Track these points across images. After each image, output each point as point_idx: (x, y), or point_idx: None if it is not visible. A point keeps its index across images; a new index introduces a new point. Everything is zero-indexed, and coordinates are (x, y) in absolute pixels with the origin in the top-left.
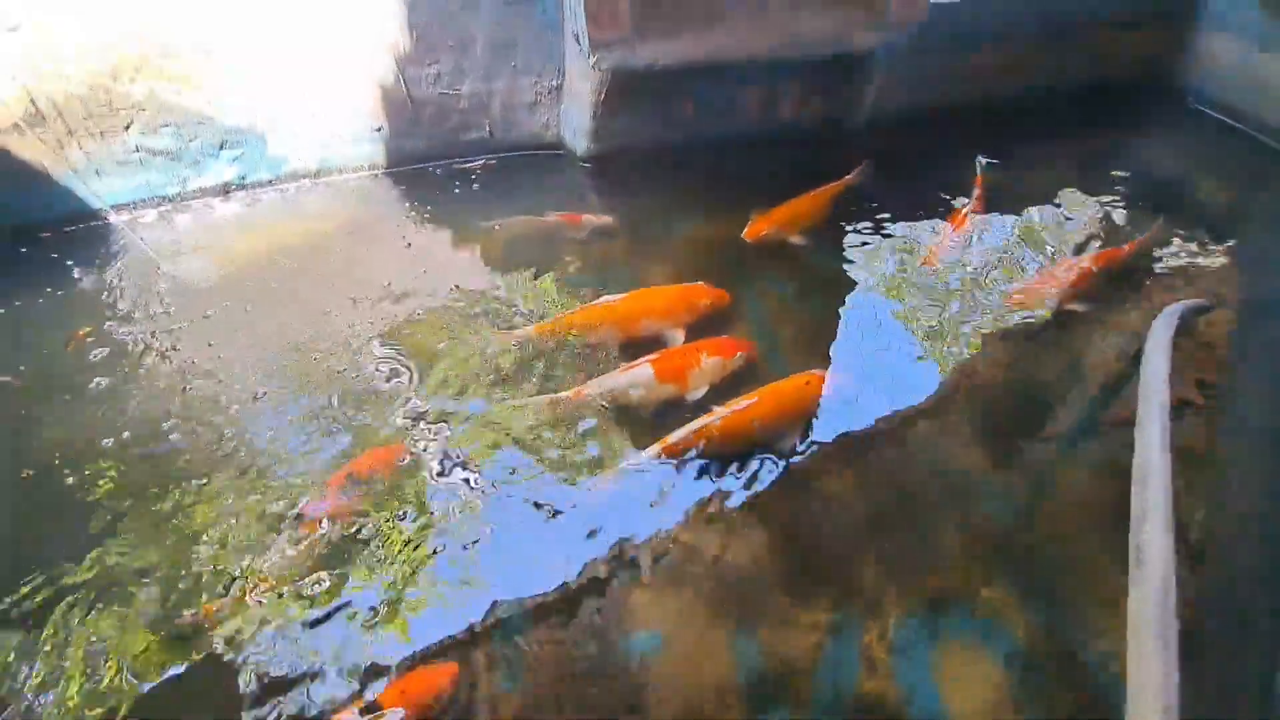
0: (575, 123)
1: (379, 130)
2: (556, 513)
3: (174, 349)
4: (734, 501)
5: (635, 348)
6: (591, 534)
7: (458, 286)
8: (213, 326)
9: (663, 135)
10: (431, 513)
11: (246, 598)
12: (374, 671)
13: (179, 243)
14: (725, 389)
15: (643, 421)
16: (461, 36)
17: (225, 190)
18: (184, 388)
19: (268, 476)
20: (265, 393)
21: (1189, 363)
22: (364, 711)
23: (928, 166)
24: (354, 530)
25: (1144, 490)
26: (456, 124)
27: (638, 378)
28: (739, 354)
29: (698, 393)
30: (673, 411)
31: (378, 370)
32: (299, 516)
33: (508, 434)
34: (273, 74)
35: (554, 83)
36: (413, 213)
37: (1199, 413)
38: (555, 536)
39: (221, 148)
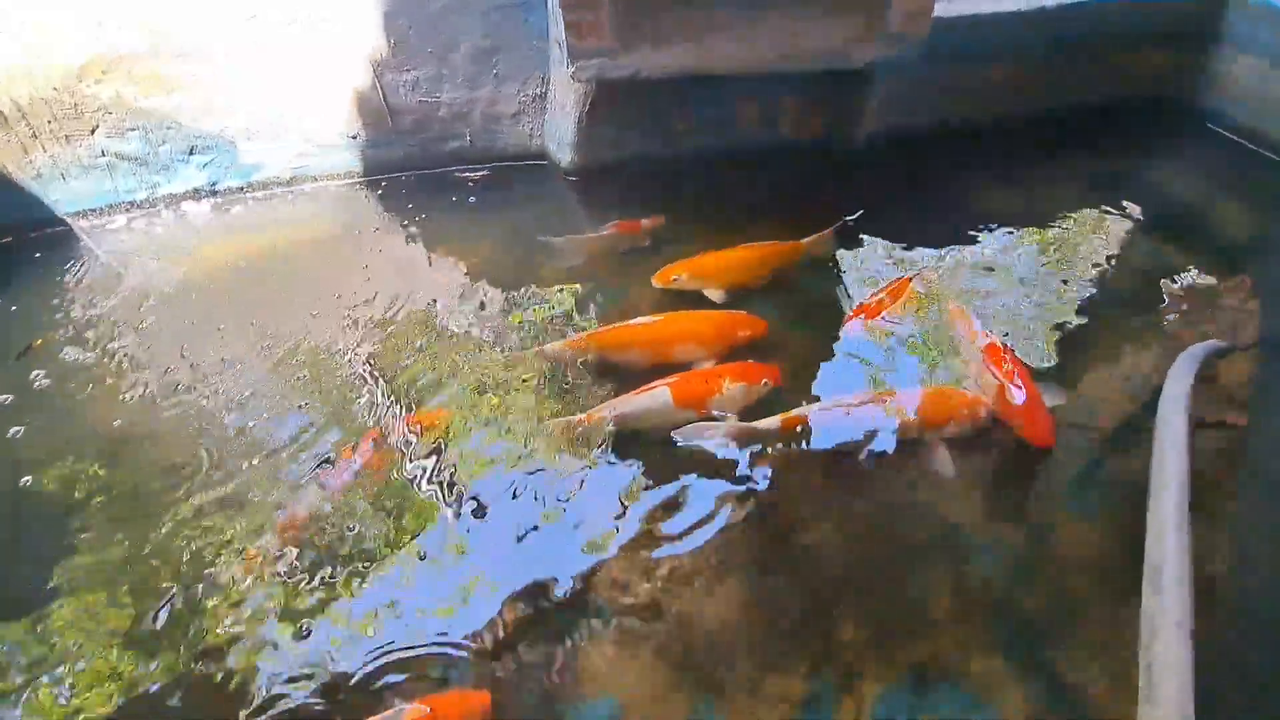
0: (560, 134)
1: (355, 138)
2: (515, 560)
3: (131, 358)
4: (703, 553)
5: (662, 373)
6: (546, 583)
7: (434, 301)
8: (176, 336)
9: (653, 150)
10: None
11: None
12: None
13: (144, 249)
14: (749, 418)
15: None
16: (442, 43)
17: (195, 197)
18: (138, 398)
19: (231, 502)
20: (238, 404)
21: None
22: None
23: (935, 188)
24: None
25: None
26: (436, 133)
27: (654, 401)
28: (764, 380)
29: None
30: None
31: (354, 382)
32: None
33: (489, 461)
34: (245, 78)
35: (538, 91)
36: (390, 223)
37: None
38: (513, 579)
39: (191, 153)
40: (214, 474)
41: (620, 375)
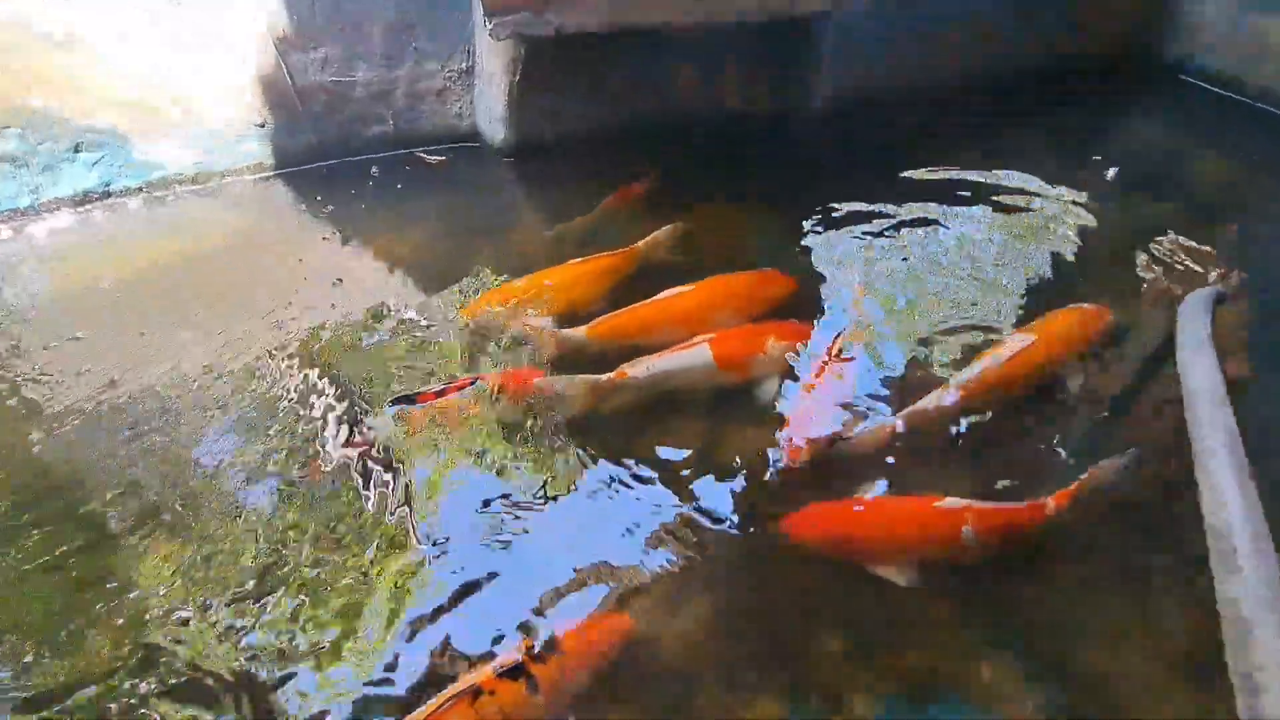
0: (490, 109)
1: (262, 126)
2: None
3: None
4: (664, 566)
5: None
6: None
7: (384, 304)
8: (57, 357)
9: (592, 123)
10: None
11: None
12: None
13: (25, 260)
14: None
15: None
16: (353, 17)
17: (86, 200)
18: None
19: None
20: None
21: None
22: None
23: (898, 154)
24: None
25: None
26: (353, 115)
27: (694, 360)
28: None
29: (764, 384)
30: (724, 406)
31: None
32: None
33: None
34: (132, 65)
35: (463, 65)
36: (308, 220)
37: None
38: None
39: (77, 151)
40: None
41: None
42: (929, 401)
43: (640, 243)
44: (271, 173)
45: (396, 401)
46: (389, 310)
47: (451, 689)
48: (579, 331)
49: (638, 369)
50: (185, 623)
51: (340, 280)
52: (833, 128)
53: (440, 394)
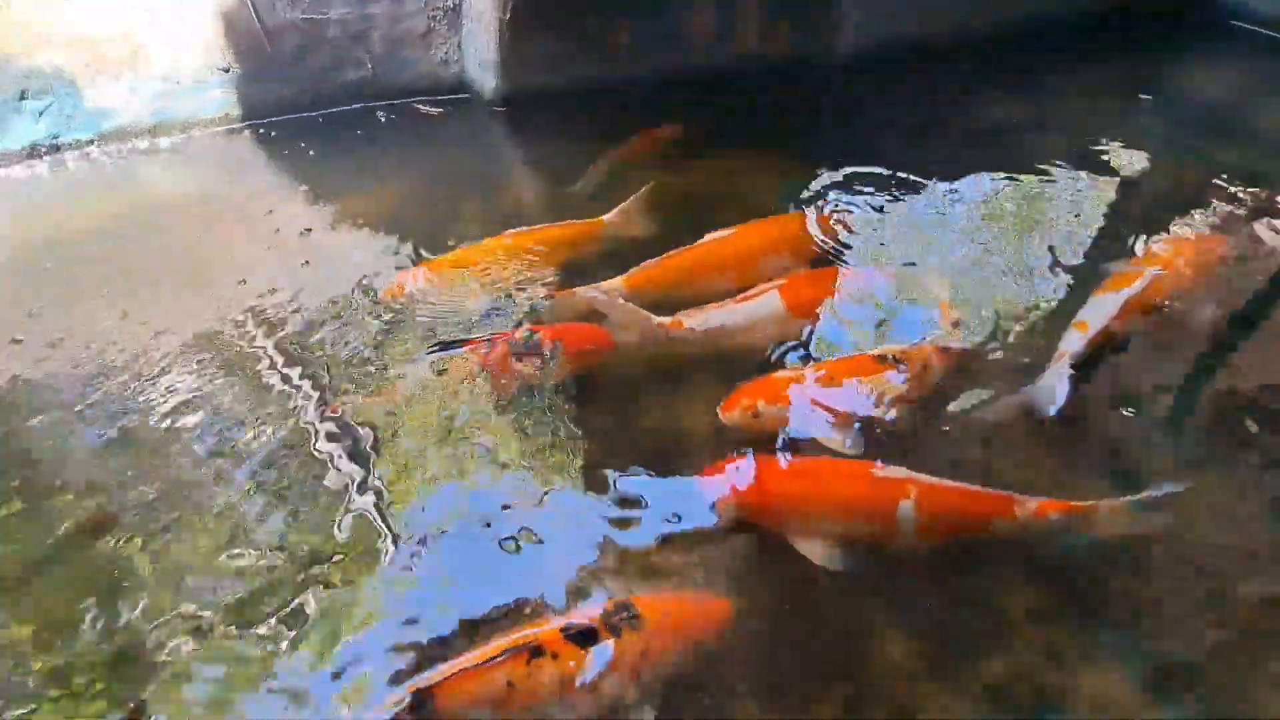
0: (479, 53)
1: (227, 71)
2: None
3: None
4: (686, 557)
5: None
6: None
7: (362, 281)
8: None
9: (592, 70)
10: None
11: None
12: None
13: None
14: None
15: None
16: None
17: (33, 154)
18: None
19: None
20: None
21: None
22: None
23: (938, 104)
24: None
25: None
26: (326, 61)
27: (762, 310)
28: None
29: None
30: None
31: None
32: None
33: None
34: (84, 2)
35: (450, 2)
36: (278, 179)
37: None
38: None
39: (23, 99)
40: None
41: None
42: (1071, 343)
43: (607, 216)
44: (239, 124)
45: (437, 348)
46: (362, 278)
47: (509, 639)
48: (615, 282)
49: (696, 319)
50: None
51: (310, 229)
52: (860, 79)
53: (489, 342)
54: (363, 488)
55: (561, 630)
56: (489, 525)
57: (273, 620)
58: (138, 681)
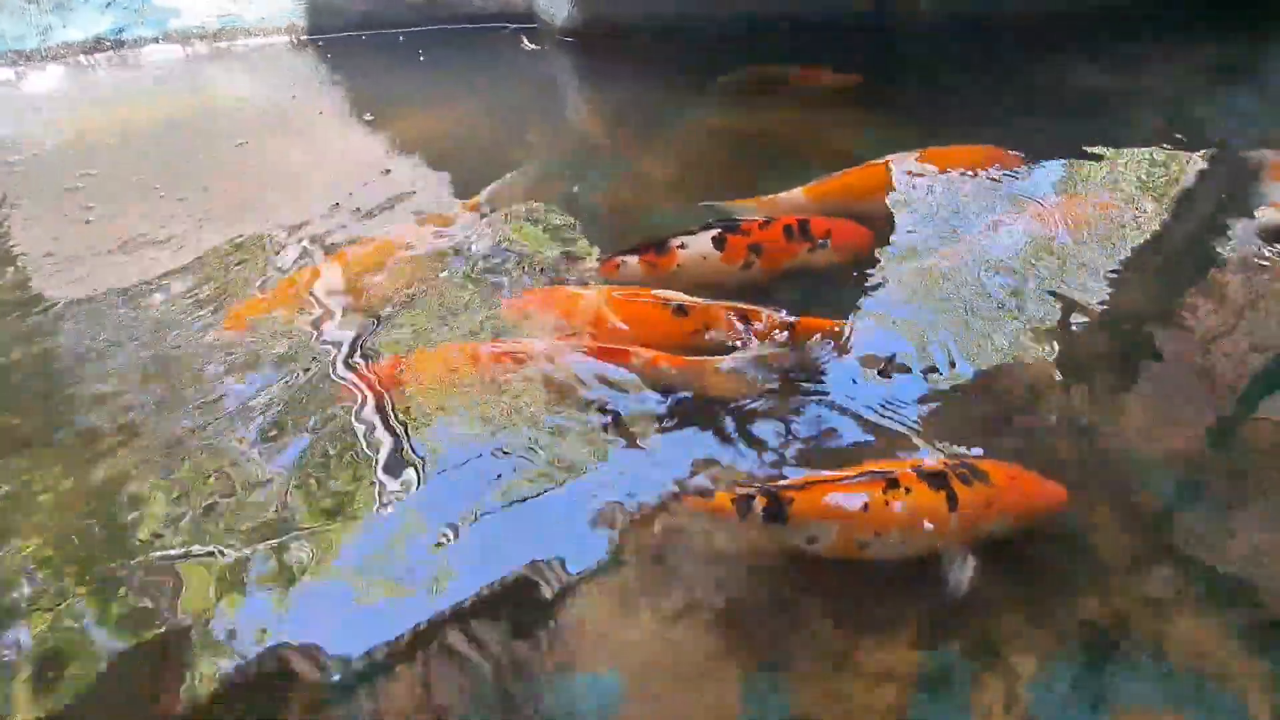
0: None
1: None
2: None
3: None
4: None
5: None
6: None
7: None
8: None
9: (668, 6)
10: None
11: None
12: None
13: (27, 112)
14: None
15: None
16: None
17: (97, 47)
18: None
19: None
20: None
21: None
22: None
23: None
24: None
25: None
26: None
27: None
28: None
29: None
30: None
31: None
32: None
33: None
34: None
35: None
36: (345, 94)
37: None
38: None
39: None
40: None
41: None
42: None
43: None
44: (305, 36)
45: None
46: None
47: (866, 467)
48: (795, 193)
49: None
50: None
51: (388, 171)
52: (942, 40)
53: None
54: None
55: (913, 468)
56: None
57: None
58: None
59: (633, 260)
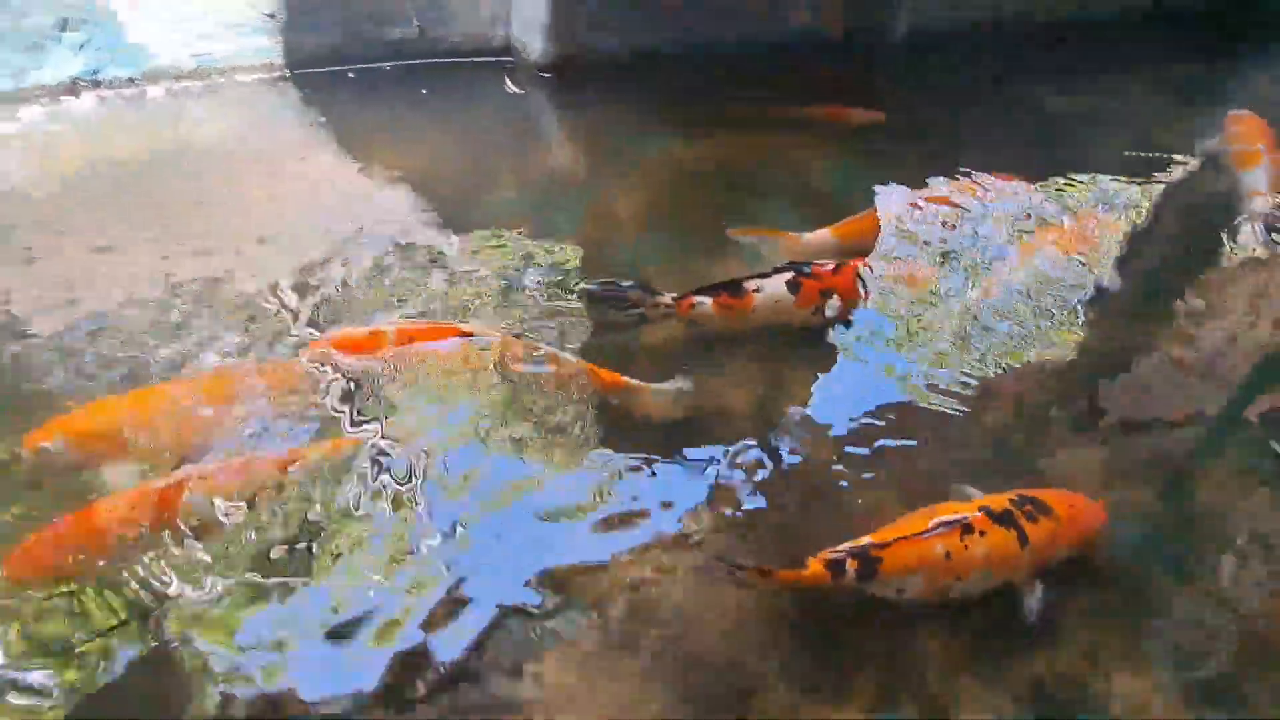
0: (529, 13)
1: (271, 17)
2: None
3: None
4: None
5: None
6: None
7: (399, 241)
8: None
9: (644, 38)
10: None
11: None
12: None
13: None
14: None
15: None
16: None
17: (73, 89)
18: None
19: None
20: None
21: None
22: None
23: (1005, 89)
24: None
25: None
26: (372, 12)
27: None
28: None
29: None
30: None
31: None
32: None
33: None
34: None
35: None
36: (318, 130)
37: None
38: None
39: (63, 29)
40: None
41: None
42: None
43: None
44: (282, 73)
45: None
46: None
47: (939, 514)
48: (822, 233)
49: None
50: None
51: (345, 196)
52: (906, 64)
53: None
54: None
55: (980, 509)
56: None
57: None
58: None
59: (707, 301)
